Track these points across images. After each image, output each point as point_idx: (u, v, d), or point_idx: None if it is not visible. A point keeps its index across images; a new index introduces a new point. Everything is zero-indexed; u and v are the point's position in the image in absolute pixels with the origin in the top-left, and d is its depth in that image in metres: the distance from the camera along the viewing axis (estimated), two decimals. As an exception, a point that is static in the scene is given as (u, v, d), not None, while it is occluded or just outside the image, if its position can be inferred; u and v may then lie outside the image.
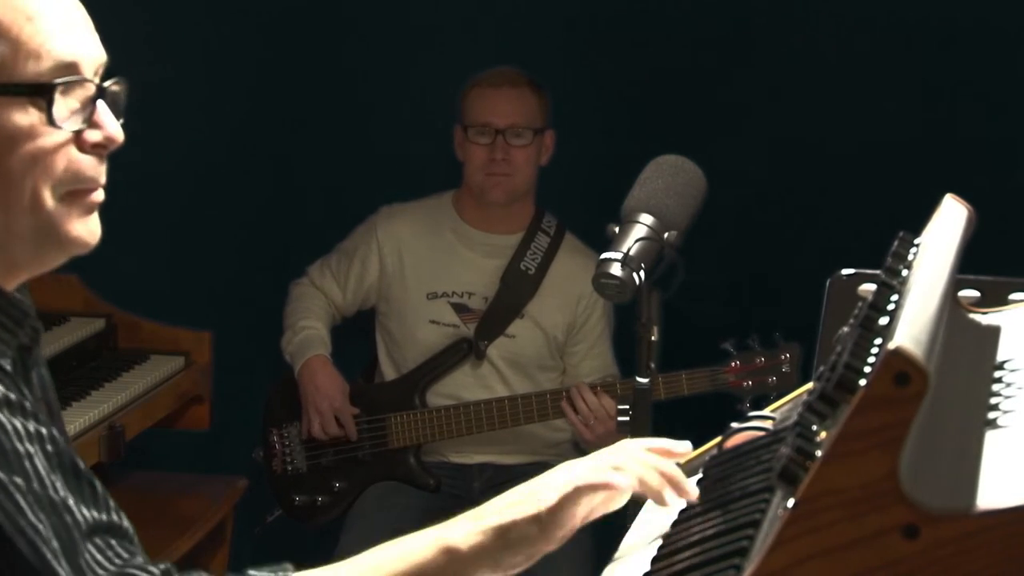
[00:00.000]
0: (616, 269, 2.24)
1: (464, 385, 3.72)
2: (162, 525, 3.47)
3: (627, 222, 2.33)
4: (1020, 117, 3.93)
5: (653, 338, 2.33)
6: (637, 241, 2.28)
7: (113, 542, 1.42)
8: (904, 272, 1.60)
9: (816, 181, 4.07)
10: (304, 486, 3.75)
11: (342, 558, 3.76)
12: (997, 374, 1.59)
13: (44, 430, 1.37)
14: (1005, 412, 1.47)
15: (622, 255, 2.25)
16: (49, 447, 1.37)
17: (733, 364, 3.51)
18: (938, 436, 1.33)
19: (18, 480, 1.33)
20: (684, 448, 1.68)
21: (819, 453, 1.27)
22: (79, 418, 3.20)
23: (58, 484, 1.38)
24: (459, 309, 3.73)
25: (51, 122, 1.42)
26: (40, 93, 1.42)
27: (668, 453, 1.65)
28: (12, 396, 1.36)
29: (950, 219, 1.73)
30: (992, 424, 1.44)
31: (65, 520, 1.39)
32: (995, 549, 1.19)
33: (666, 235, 2.33)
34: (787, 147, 4.10)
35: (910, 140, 3.99)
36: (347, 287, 3.78)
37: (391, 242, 3.76)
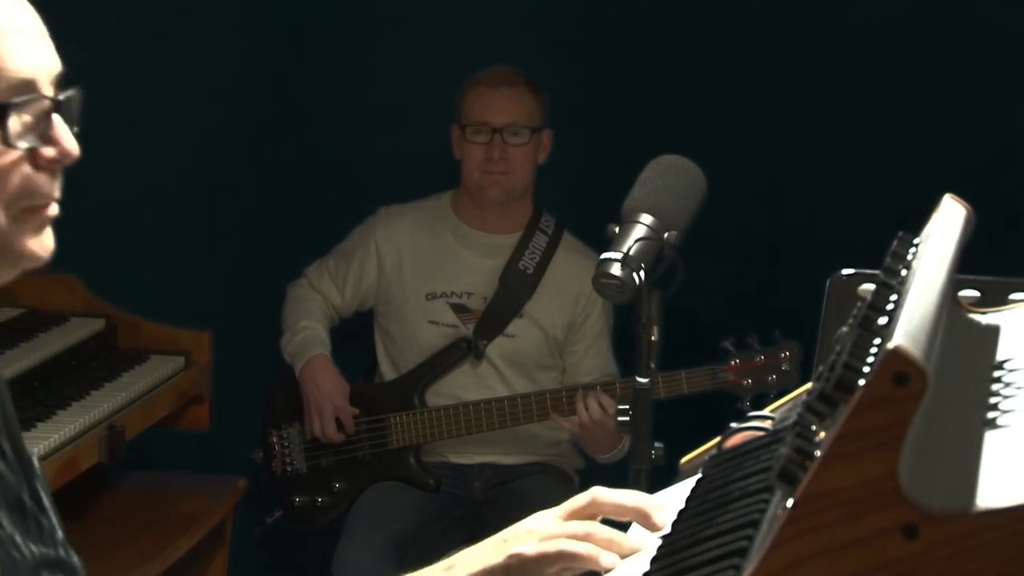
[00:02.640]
0: (616, 269, 2.24)
1: (463, 385, 3.72)
2: (162, 525, 3.48)
3: (627, 222, 2.33)
4: (1020, 117, 3.93)
5: (653, 338, 2.33)
6: (637, 241, 2.28)
7: None
8: (903, 272, 1.59)
9: (815, 181, 4.07)
10: (304, 487, 3.75)
11: (342, 558, 3.78)
12: (997, 374, 1.58)
13: None
14: (1005, 412, 1.46)
15: (622, 255, 2.25)
16: None
17: (733, 363, 3.52)
18: (938, 436, 1.33)
19: None
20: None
21: (818, 453, 1.27)
22: (79, 418, 3.20)
23: (3, 519, 1.36)
24: (458, 309, 3.73)
25: (5, 142, 1.39)
26: None
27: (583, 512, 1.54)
28: None
29: (950, 219, 1.73)
30: (992, 424, 1.44)
31: (12, 555, 1.37)
32: (995, 549, 1.19)
33: (666, 235, 2.33)
34: (787, 147, 4.10)
35: (910, 139, 3.99)
36: (345, 288, 3.78)
37: (390, 243, 3.76)
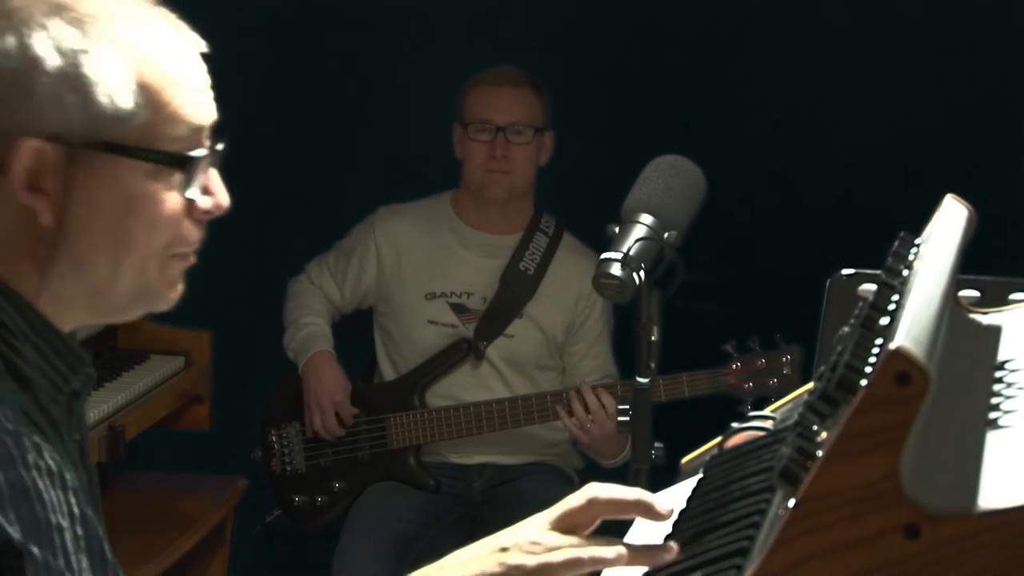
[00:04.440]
0: (616, 269, 2.24)
1: (463, 385, 3.72)
2: (162, 525, 3.47)
3: (627, 222, 2.33)
4: (1020, 117, 3.93)
5: (653, 338, 2.33)
6: (637, 241, 2.28)
7: None
8: (904, 272, 1.60)
9: (816, 181, 4.07)
10: (303, 486, 3.74)
11: (342, 558, 3.78)
12: (998, 374, 1.58)
13: (78, 511, 1.35)
14: (1006, 412, 1.47)
15: (622, 255, 2.25)
16: (79, 529, 1.35)
17: (734, 366, 3.51)
18: (939, 436, 1.33)
19: (48, 554, 1.31)
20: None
21: (820, 453, 1.27)
22: (79, 418, 3.20)
23: (84, 565, 1.36)
24: (458, 309, 3.73)
25: (183, 192, 1.43)
26: (180, 164, 1.43)
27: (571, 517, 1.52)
28: (54, 467, 1.34)
29: (950, 219, 1.73)
30: (993, 424, 1.44)
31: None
32: (996, 549, 1.19)
33: (666, 235, 2.33)
34: (787, 147, 4.10)
35: (910, 140, 3.99)
36: (345, 286, 3.78)
37: (389, 242, 3.76)
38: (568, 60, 4.14)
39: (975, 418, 1.45)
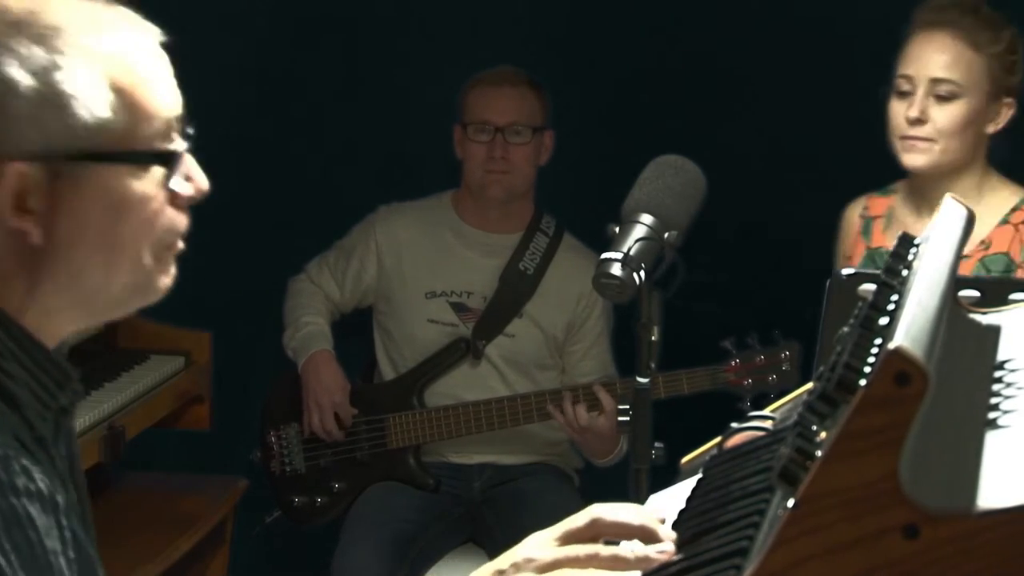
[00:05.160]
0: (616, 269, 2.24)
1: (463, 385, 3.72)
2: (162, 525, 3.47)
3: (627, 222, 2.33)
4: (1020, 117, 3.93)
5: (653, 338, 2.33)
6: (637, 241, 2.28)
7: None
8: (904, 272, 1.60)
9: (816, 181, 4.07)
10: (303, 487, 3.74)
11: (342, 558, 3.78)
12: (997, 374, 1.58)
13: (70, 534, 1.35)
14: (1005, 412, 1.47)
15: (622, 255, 2.25)
16: (71, 552, 1.35)
17: (733, 363, 3.52)
18: (938, 436, 1.33)
19: None
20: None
21: (819, 453, 1.27)
22: (79, 418, 3.19)
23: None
24: (458, 308, 3.73)
25: (166, 187, 1.42)
26: (162, 161, 1.42)
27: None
28: (44, 490, 1.33)
29: (950, 219, 1.73)
30: (992, 424, 1.44)
31: None
32: (995, 549, 1.19)
33: (666, 235, 2.33)
34: (787, 147, 4.10)
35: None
36: (345, 285, 3.78)
37: (390, 241, 3.76)
38: (568, 60, 4.14)
39: (974, 418, 1.45)
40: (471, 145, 3.67)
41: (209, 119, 4.55)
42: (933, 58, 2.92)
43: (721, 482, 1.62)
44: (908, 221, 3.06)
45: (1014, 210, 2.95)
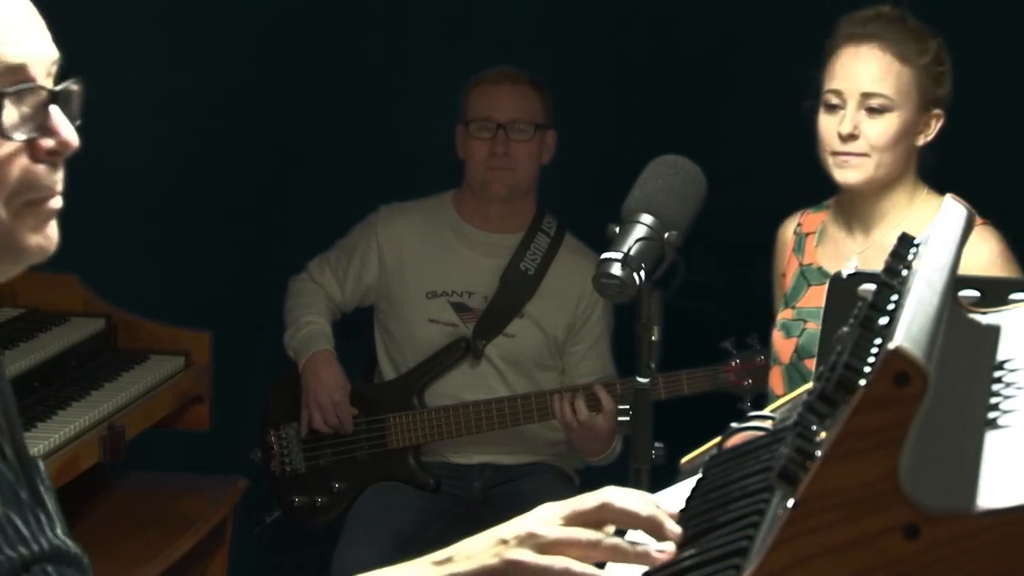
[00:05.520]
0: (616, 269, 2.24)
1: (463, 385, 3.72)
2: (162, 525, 3.47)
3: (627, 222, 2.33)
4: (1020, 117, 3.93)
5: (653, 338, 2.33)
6: (637, 241, 2.28)
7: (51, 569, 1.36)
8: (904, 272, 1.59)
9: (816, 181, 4.07)
10: (303, 487, 3.75)
11: (342, 558, 3.77)
12: (997, 374, 1.58)
13: None
14: (1005, 412, 1.46)
15: (622, 255, 2.25)
16: None
17: (733, 363, 3.52)
18: (938, 436, 1.33)
19: None
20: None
21: (819, 453, 1.27)
22: (79, 418, 3.20)
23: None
24: (459, 308, 3.73)
25: (1, 133, 1.35)
26: None
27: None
28: None
29: (950, 219, 1.73)
30: (992, 424, 1.44)
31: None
32: (995, 549, 1.19)
33: (666, 235, 2.33)
34: (787, 146, 4.09)
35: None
36: (346, 284, 3.79)
37: (391, 241, 3.77)
38: (569, 60, 4.14)
39: (974, 418, 1.45)
40: (473, 142, 3.68)
41: (209, 119, 4.58)
42: (863, 72, 2.86)
43: (721, 482, 1.62)
44: (839, 236, 3.02)
45: None
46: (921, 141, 2.93)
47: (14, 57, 1.37)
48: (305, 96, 4.24)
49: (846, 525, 1.21)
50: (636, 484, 2.33)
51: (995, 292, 1.84)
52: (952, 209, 1.78)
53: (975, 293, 1.82)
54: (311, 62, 4.22)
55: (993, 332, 1.73)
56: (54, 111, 1.40)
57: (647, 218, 2.32)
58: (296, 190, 4.27)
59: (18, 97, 1.37)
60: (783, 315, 2.99)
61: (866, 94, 2.84)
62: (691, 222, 2.45)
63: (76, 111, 1.43)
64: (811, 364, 2.79)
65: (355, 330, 3.87)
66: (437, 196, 3.83)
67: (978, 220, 2.79)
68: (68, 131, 1.41)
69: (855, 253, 2.84)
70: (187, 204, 4.18)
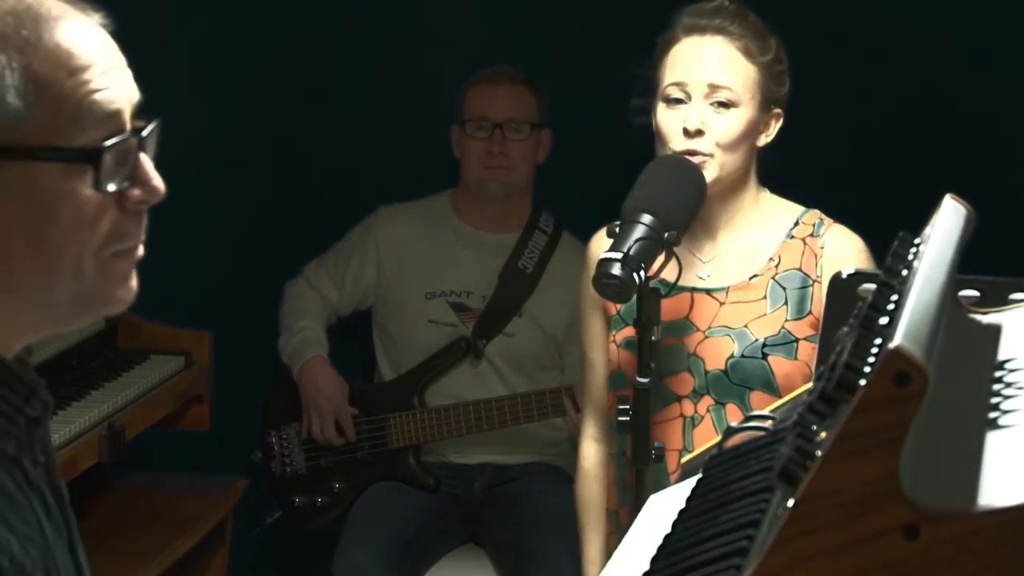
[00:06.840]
0: (616, 269, 2.24)
1: (463, 384, 3.72)
2: (162, 525, 3.48)
3: (627, 222, 2.34)
4: (1020, 117, 3.93)
5: (653, 338, 2.34)
6: (637, 241, 2.28)
7: None
8: (904, 272, 1.59)
9: (816, 181, 4.07)
10: (303, 487, 3.75)
11: (342, 558, 3.77)
12: (997, 374, 1.58)
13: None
14: (1005, 412, 1.47)
15: (622, 255, 2.25)
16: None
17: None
18: (938, 436, 1.33)
19: None
20: None
21: (819, 453, 1.27)
22: (79, 418, 3.20)
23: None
24: (457, 308, 3.73)
25: (97, 187, 1.30)
26: (86, 158, 1.29)
27: None
28: (16, 554, 1.28)
29: (950, 219, 1.73)
30: (992, 424, 1.44)
31: None
32: (995, 549, 1.19)
33: (666, 235, 2.33)
34: (786, 146, 4.09)
35: (910, 139, 3.98)
36: (344, 287, 3.78)
37: (389, 242, 3.77)
38: (568, 60, 4.14)
39: (975, 418, 1.45)
40: (470, 142, 3.68)
41: (209, 119, 4.57)
42: (708, 63, 2.63)
43: (721, 482, 1.62)
44: (682, 245, 2.51)
45: (796, 225, 2.79)
46: (762, 141, 2.78)
47: (111, 104, 1.32)
48: (305, 96, 4.24)
49: (846, 525, 1.21)
50: (636, 484, 2.34)
51: (995, 292, 1.84)
52: (952, 209, 1.77)
53: (975, 293, 1.82)
54: (311, 62, 4.22)
55: (993, 332, 1.74)
56: (144, 160, 1.36)
57: (647, 218, 2.32)
58: (296, 190, 4.27)
59: (116, 150, 1.32)
60: (624, 333, 2.65)
61: (713, 85, 2.59)
62: (691, 222, 2.46)
63: (154, 151, 1.39)
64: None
65: (354, 331, 3.87)
66: (434, 196, 3.83)
67: (828, 221, 2.75)
68: (157, 180, 1.37)
69: (703, 263, 2.67)
70: (187, 204, 4.17)
